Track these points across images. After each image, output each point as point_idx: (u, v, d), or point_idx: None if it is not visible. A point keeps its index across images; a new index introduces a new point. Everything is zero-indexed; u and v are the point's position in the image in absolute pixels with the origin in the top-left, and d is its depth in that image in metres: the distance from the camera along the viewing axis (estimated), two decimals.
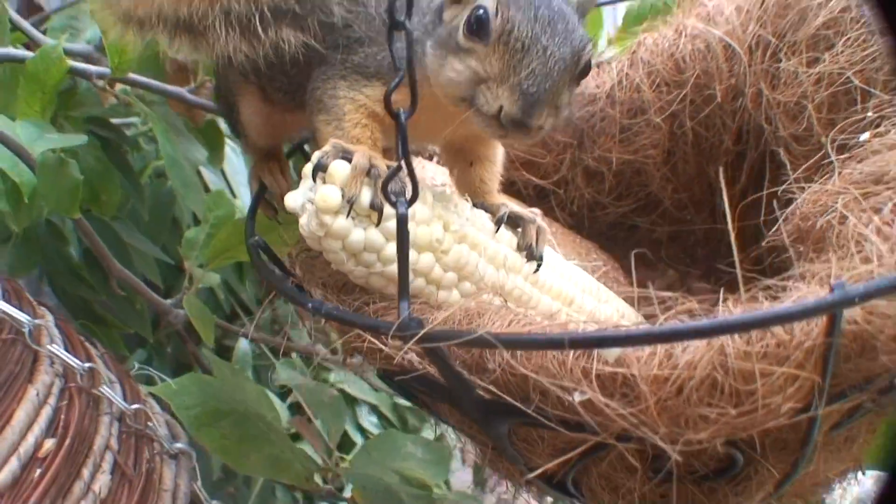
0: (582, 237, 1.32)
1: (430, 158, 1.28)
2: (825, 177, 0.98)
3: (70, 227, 1.63)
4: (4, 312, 1.05)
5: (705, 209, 1.30)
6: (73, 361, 1.09)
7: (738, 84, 1.21)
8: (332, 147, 0.92)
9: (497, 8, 0.87)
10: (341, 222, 0.88)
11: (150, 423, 1.18)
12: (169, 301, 1.52)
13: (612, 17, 1.74)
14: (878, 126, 0.99)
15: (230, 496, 1.99)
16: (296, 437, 1.84)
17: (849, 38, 1.06)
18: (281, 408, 2.12)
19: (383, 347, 0.86)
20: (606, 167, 1.29)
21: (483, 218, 1.02)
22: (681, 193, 1.29)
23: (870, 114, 1.03)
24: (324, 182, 0.89)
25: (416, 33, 0.98)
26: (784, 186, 1.01)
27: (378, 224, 0.89)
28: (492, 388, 0.80)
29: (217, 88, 1.32)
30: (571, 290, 1.07)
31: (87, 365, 1.10)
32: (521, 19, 0.87)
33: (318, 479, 1.48)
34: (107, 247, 1.66)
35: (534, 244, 1.03)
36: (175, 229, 1.90)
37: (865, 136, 0.99)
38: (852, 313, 0.72)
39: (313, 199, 0.89)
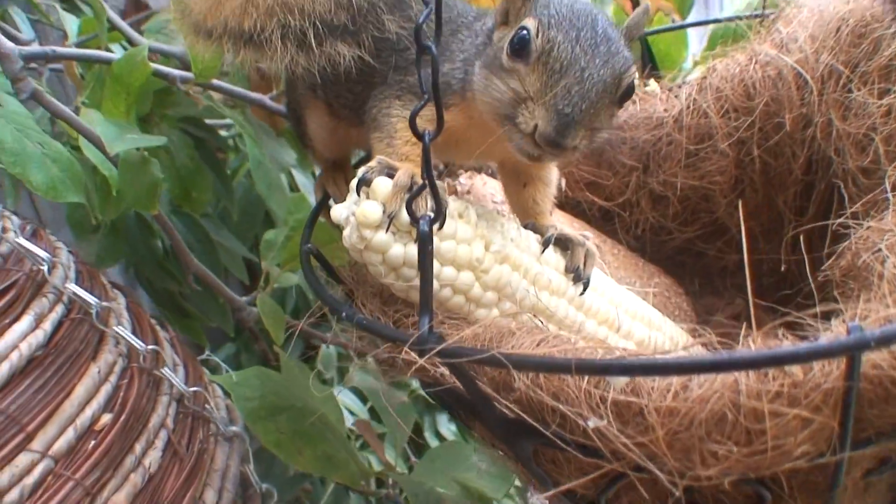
0: (646, 261, 1.31)
1: (493, 175, 1.29)
2: (882, 213, 0.95)
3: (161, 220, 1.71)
4: (74, 294, 1.13)
5: (774, 238, 1.27)
6: (137, 343, 1.16)
7: (809, 113, 1.18)
8: (378, 163, 0.95)
9: (539, 29, 0.89)
10: (381, 237, 0.91)
11: (207, 406, 1.24)
12: (244, 298, 1.59)
13: (699, 39, 1.72)
14: None
15: (305, 493, 2.05)
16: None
17: None
18: (361, 410, 2.18)
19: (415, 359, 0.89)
20: (671, 192, 1.28)
21: (530, 239, 1.03)
22: (749, 222, 1.26)
23: None
24: (367, 197, 0.93)
25: (466, 54, 1.01)
26: (840, 220, 0.98)
27: (414, 236, 0.92)
28: (513, 407, 0.82)
29: (287, 100, 1.38)
30: (620, 315, 1.07)
31: (150, 347, 1.18)
32: (562, 40, 0.88)
33: (373, 483, 1.52)
34: (195, 243, 1.76)
35: (581, 267, 1.03)
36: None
37: None
38: (876, 357, 0.71)
39: (355, 212, 0.93)
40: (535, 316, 0.99)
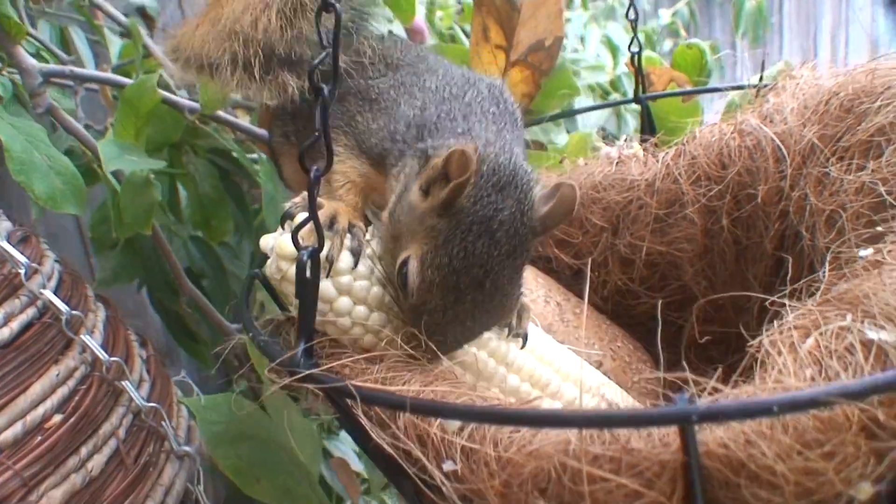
0: (610, 323, 1.28)
1: None
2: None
3: (178, 244, 1.78)
4: (50, 301, 1.19)
5: (747, 313, 1.22)
6: (101, 353, 1.21)
7: (784, 187, 1.14)
8: (303, 199, 0.97)
9: (416, 288, 0.92)
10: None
11: (163, 423, 1.28)
12: (235, 325, 1.62)
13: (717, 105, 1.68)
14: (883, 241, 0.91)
15: None
16: None
17: None
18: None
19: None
20: (638, 255, 1.25)
21: None
22: (719, 292, 1.22)
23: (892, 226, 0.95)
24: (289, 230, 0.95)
25: (405, 147, 1.03)
26: (774, 298, 0.94)
27: (329, 275, 0.94)
28: (384, 444, 0.81)
29: (269, 147, 1.44)
30: (548, 374, 1.05)
31: (113, 359, 1.22)
32: (436, 307, 0.91)
33: None
34: (208, 269, 1.82)
35: (513, 322, 1.03)
36: None
37: (867, 251, 0.90)
38: (725, 436, 0.67)
39: (275, 244, 0.95)
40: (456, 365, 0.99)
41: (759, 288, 1.18)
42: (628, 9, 1.41)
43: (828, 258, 0.93)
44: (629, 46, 1.44)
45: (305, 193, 0.98)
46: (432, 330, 0.90)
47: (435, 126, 1.02)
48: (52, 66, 1.47)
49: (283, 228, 0.97)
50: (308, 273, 0.83)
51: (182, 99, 1.57)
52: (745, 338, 1.18)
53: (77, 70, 1.53)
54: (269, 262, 0.98)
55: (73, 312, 1.21)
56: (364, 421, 0.81)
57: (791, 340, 0.75)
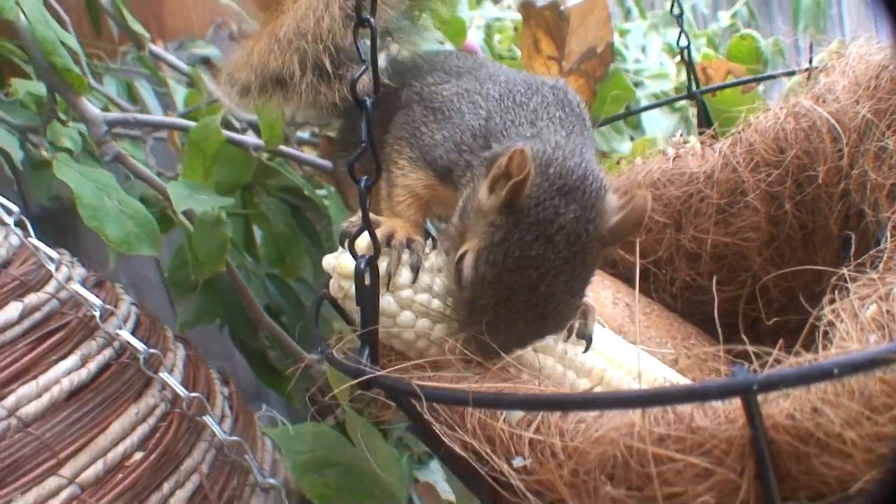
0: (682, 321, 1.27)
1: None
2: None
3: (256, 283, 1.84)
4: (126, 341, 1.23)
5: (820, 298, 1.20)
6: (180, 390, 1.25)
7: (843, 166, 1.12)
8: (359, 217, 1.00)
9: (471, 282, 0.92)
10: None
11: (247, 456, 1.30)
12: (315, 356, 1.66)
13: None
14: None
15: None
16: None
17: None
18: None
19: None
20: (703, 249, 1.24)
21: None
22: (790, 281, 1.20)
23: None
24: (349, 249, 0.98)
25: (470, 158, 1.04)
26: (841, 272, 0.92)
27: (388, 289, 0.96)
28: (455, 446, 0.83)
29: (333, 177, 1.47)
30: (619, 375, 1.05)
31: (193, 395, 1.25)
32: (488, 303, 0.91)
33: None
34: (286, 306, 1.86)
35: (577, 323, 1.02)
36: None
37: None
38: (790, 406, 0.67)
39: (335, 264, 0.98)
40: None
41: (828, 271, 1.16)
42: (672, 4, 1.41)
43: (888, 228, 0.91)
44: (678, 42, 1.44)
45: (391, 231, 1.02)
46: (482, 329, 0.90)
47: (502, 134, 1.03)
48: (116, 115, 1.55)
49: (342, 247, 1.00)
50: (367, 281, 0.85)
51: (246, 137, 1.63)
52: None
53: (140, 116, 1.61)
54: (331, 282, 1.01)
55: (151, 351, 1.25)
56: (434, 424, 0.83)
57: (852, 308, 0.74)
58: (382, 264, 0.95)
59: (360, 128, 0.84)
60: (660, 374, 1.08)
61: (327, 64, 1.13)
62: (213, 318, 1.77)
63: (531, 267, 0.89)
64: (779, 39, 1.84)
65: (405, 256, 0.98)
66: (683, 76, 2.29)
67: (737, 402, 0.67)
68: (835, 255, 1.17)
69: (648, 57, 2.65)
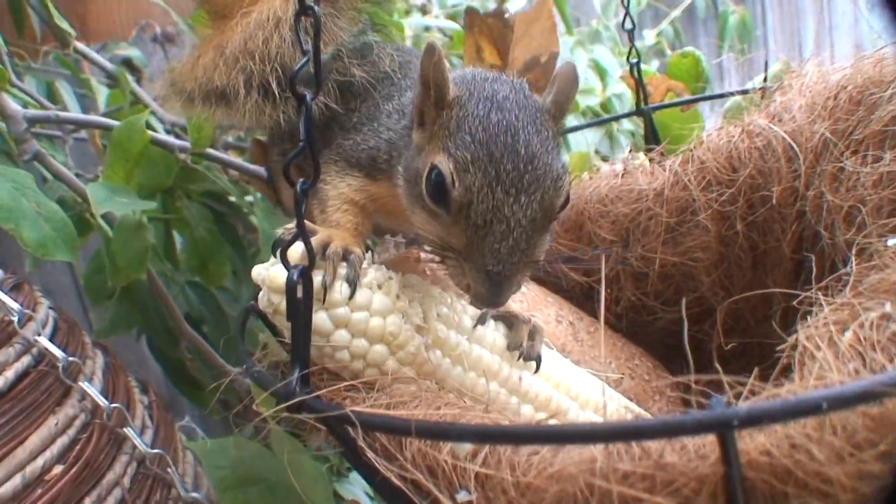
0: (626, 342, 1.22)
1: None
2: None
3: (175, 290, 1.73)
4: (45, 348, 1.14)
5: (767, 322, 1.16)
6: (101, 400, 1.16)
7: (799, 186, 1.09)
8: (339, 245, 0.92)
9: (455, 174, 0.83)
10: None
11: (169, 469, 1.22)
12: (237, 368, 1.57)
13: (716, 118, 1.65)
14: None
15: None
16: None
17: None
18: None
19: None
20: (651, 268, 1.20)
21: (465, 316, 0.97)
22: (738, 303, 1.16)
23: None
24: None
25: (391, 134, 0.99)
26: (803, 296, 0.88)
27: (323, 304, 0.88)
28: (392, 477, 0.75)
29: (266, 169, 1.39)
30: (565, 402, 0.99)
31: (114, 405, 1.17)
32: (481, 185, 0.81)
33: None
34: (207, 314, 1.76)
35: (524, 343, 0.97)
36: None
37: (893, 240, 0.85)
38: (766, 442, 0.61)
39: (265, 276, 0.89)
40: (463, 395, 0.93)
41: (779, 294, 1.12)
42: (624, 18, 1.37)
43: (853, 251, 0.88)
44: (627, 58, 1.41)
45: (328, 239, 0.94)
46: (489, 221, 0.81)
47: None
48: (37, 112, 1.43)
49: (274, 258, 0.91)
50: (299, 294, 0.78)
51: (171, 139, 1.53)
52: (767, 347, 1.13)
53: (62, 114, 1.50)
54: (260, 294, 0.92)
55: (71, 359, 1.16)
56: (368, 453, 0.75)
57: (829, 335, 0.69)
58: (317, 277, 0.87)
59: (300, 126, 0.76)
60: (615, 405, 1.03)
61: (273, 85, 1.08)
62: (129, 326, 1.66)
63: (499, 133, 0.83)
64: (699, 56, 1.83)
65: (342, 270, 0.89)
66: (609, 91, 2.30)
67: (710, 438, 0.61)
68: (786, 277, 1.13)
69: None
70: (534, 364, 0.97)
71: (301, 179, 0.77)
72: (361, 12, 1.13)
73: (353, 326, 0.89)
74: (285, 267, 0.80)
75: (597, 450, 0.62)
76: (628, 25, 1.38)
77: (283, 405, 0.75)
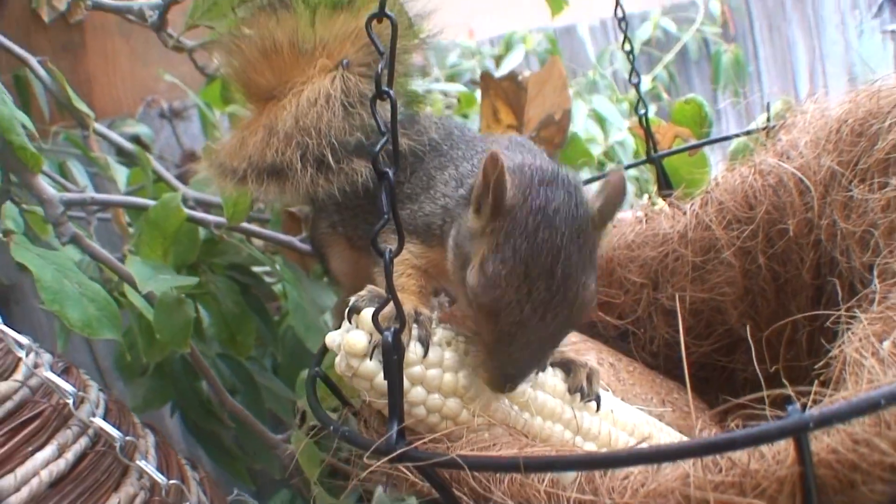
0: (664, 378, 1.29)
1: None
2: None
3: (207, 363, 1.77)
4: (100, 427, 1.17)
5: (793, 347, 1.24)
6: (159, 477, 1.19)
7: (812, 217, 1.17)
8: (368, 292, 0.99)
9: (484, 268, 0.90)
10: (367, 365, 0.94)
11: None
12: (279, 436, 1.62)
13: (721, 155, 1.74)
14: None
15: None
16: None
17: None
18: None
19: (402, 473, 0.89)
20: (681, 306, 1.27)
21: None
22: (764, 330, 1.24)
23: None
24: (356, 326, 0.97)
25: (446, 201, 1.07)
26: (833, 317, 0.96)
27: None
28: None
29: (311, 239, 1.46)
30: (624, 438, 1.05)
31: (172, 481, 1.21)
32: (510, 301, 0.89)
33: None
34: (239, 385, 1.81)
35: (584, 385, 1.03)
36: None
37: None
38: (832, 441, 0.69)
39: (343, 341, 0.96)
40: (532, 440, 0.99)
41: (803, 320, 1.20)
42: (630, 73, 1.47)
43: (875, 272, 0.96)
44: (636, 108, 1.50)
45: (369, 286, 1.01)
46: (513, 332, 0.89)
47: (471, 172, 1.08)
48: (74, 195, 1.50)
49: (349, 323, 0.98)
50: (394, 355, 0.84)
51: (207, 215, 1.60)
52: (798, 370, 1.21)
53: (97, 196, 1.56)
54: (337, 359, 0.98)
55: (127, 438, 1.20)
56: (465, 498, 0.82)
57: (872, 346, 0.77)
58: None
59: (381, 199, 0.83)
60: (669, 438, 1.10)
61: (329, 157, 1.15)
62: (164, 401, 1.71)
63: (542, 252, 0.88)
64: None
65: (414, 331, 0.96)
66: (611, 139, 2.40)
67: (783, 443, 0.69)
68: (807, 302, 1.21)
69: (575, 123, 2.74)
70: (594, 404, 1.03)
71: (388, 248, 0.83)
72: (402, 85, 1.21)
73: (427, 383, 0.95)
74: (378, 330, 0.85)
75: (687, 465, 0.69)
76: (634, 80, 1.47)
77: (387, 458, 0.80)
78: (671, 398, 1.26)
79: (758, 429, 0.64)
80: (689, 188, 1.40)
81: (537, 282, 0.88)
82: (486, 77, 1.54)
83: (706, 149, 1.61)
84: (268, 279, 1.92)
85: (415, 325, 0.96)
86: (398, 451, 0.79)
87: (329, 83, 1.15)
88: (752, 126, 1.43)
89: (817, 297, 1.20)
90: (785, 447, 0.69)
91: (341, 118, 1.14)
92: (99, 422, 1.18)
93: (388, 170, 0.82)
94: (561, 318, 0.90)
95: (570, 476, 0.74)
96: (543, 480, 0.77)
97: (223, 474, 1.86)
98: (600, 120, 2.30)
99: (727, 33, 3.44)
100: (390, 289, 0.83)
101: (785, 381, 1.28)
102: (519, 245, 0.89)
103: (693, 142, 1.60)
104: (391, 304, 0.87)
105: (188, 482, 1.30)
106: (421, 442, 0.85)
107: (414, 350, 0.95)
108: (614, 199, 0.95)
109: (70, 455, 1.13)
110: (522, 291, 0.88)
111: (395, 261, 1.08)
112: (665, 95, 3.08)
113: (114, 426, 1.20)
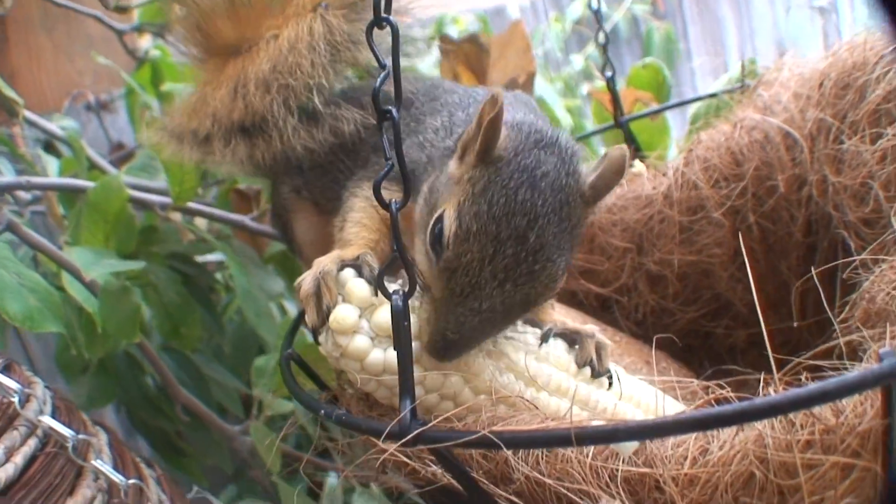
0: (650, 347, 1.24)
1: None
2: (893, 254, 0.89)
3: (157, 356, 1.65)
4: (51, 428, 1.06)
5: (782, 308, 1.20)
6: (117, 477, 1.09)
7: (802, 172, 1.14)
8: (332, 260, 0.88)
9: (451, 238, 0.81)
10: (358, 342, 0.84)
11: None
12: (237, 428, 1.51)
13: (679, 127, 1.70)
14: None
15: None
16: None
17: None
18: None
19: (401, 457, 0.81)
20: (669, 270, 1.22)
21: (528, 337, 0.95)
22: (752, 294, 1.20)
23: None
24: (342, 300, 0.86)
25: (430, 151, 0.98)
26: (850, 269, 0.92)
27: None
28: (513, 498, 0.73)
29: (272, 209, 1.35)
30: (630, 410, 0.99)
31: (132, 481, 1.10)
32: (471, 260, 0.80)
33: None
34: (186, 378, 1.69)
35: (594, 359, 0.95)
36: None
37: None
38: None
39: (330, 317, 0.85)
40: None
41: (794, 279, 1.17)
42: (597, 33, 1.41)
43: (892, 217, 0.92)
44: (602, 71, 1.44)
45: (333, 255, 0.91)
46: (465, 293, 0.79)
47: (465, 121, 0.97)
48: (9, 179, 1.36)
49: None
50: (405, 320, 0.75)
51: (152, 196, 1.47)
52: (787, 333, 1.17)
53: (34, 179, 1.42)
54: (322, 339, 0.88)
55: (80, 437, 1.08)
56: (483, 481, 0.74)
57: None
58: (384, 314, 0.84)
59: (383, 141, 0.74)
60: (660, 402, 1.04)
61: (315, 101, 1.05)
62: (108, 399, 1.58)
63: (519, 213, 0.80)
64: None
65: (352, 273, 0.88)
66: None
67: (860, 397, 0.63)
68: (798, 262, 1.18)
69: None
70: (605, 380, 0.96)
71: (393, 200, 0.74)
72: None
73: (425, 361, 0.86)
74: (385, 296, 0.76)
75: (761, 427, 0.63)
76: (601, 40, 1.41)
77: (403, 441, 0.71)
78: (660, 367, 1.20)
79: (846, 379, 0.58)
80: (648, 151, 1.36)
81: (506, 244, 0.80)
82: (446, 40, 1.46)
83: (667, 113, 1.57)
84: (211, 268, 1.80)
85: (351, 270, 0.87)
86: (414, 432, 0.70)
87: (309, 25, 1.06)
88: (718, 87, 1.38)
89: (809, 257, 1.16)
90: (862, 401, 0.63)
91: (328, 59, 1.05)
92: (48, 420, 1.07)
93: (391, 108, 0.72)
94: (521, 293, 0.82)
95: (629, 446, 0.66)
96: (588, 454, 0.69)
97: (173, 472, 1.74)
98: (537, 100, 2.25)
99: (657, 11, 3.42)
100: (398, 246, 0.74)
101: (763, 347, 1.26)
102: (495, 199, 0.80)
103: (655, 106, 1.54)
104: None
105: (146, 481, 1.19)
106: (437, 421, 0.76)
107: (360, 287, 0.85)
108: (611, 176, 0.88)
109: (19, 459, 1.01)
110: (487, 251, 0.79)
111: (357, 207, 0.99)
112: (597, 73, 3.05)
113: (64, 425, 1.09)
